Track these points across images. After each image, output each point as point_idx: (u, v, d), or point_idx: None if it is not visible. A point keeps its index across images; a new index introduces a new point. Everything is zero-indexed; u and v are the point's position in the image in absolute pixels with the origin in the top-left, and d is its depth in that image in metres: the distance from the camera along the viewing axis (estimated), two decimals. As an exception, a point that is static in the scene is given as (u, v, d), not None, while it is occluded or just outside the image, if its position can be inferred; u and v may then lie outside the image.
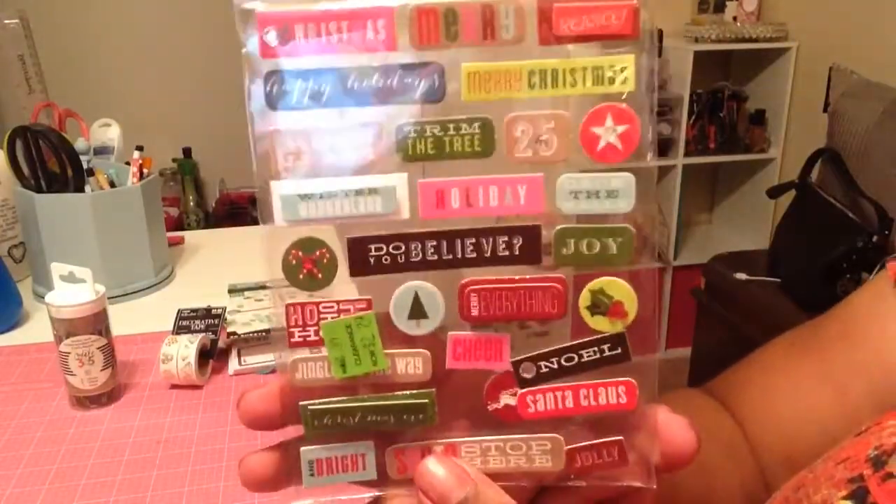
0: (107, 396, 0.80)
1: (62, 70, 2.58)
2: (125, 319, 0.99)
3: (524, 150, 0.25)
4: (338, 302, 0.27)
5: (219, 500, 0.65)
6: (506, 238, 0.26)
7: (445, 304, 0.26)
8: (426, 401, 0.26)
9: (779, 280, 1.92)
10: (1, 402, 0.81)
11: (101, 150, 1.17)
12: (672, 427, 0.27)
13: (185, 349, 0.81)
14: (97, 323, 0.79)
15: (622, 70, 0.24)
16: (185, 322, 0.91)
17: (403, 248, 0.26)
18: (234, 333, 0.87)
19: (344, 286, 0.27)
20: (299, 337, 0.27)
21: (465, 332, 0.27)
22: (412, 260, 0.26)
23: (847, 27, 2.16)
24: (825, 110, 2.09)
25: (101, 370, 0.79)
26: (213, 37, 2.71)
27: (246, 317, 0.91)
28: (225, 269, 1.19)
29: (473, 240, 0.26)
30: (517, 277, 0.27)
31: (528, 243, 0.26)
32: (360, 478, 0.27)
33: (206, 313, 0.92)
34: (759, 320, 1.87)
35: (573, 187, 0.26)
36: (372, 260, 0.26)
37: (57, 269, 0.79)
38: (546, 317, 0.28)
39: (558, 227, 0.26)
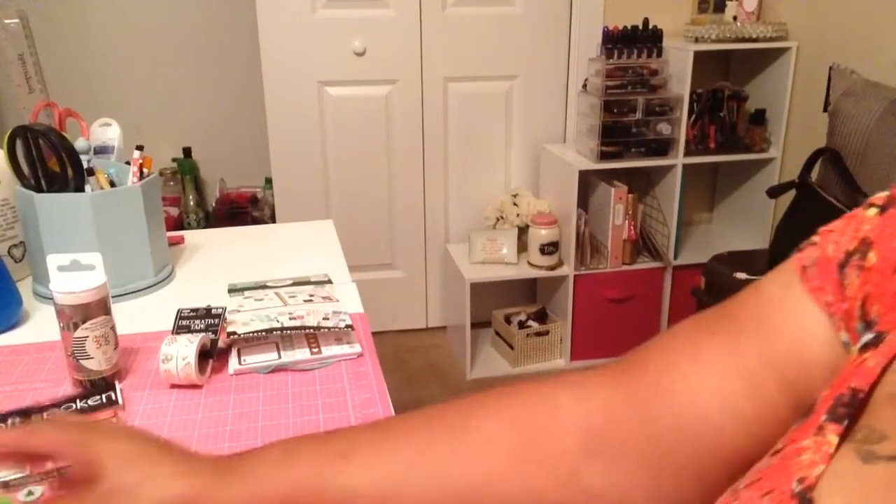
0: (118, 375, 0.85)
1: (62, 70, 2.58)
2: (125, 319, 0.99)
3: None
4: None
5: (219, 499, 0.65)
6: None
7: None
8: None
9: (779, 280, 1.92)
10: (1, 402, 0.81)
11: (101, 150, 1.17)
12: None
13: (185, 349, 0.81)
14: (107, 304, 0.82)
15: None
16: (185, 322, 0.91)
17: None
18: (234, 333, 0.87)
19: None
20: None
21: None
22: None
23: (847, 27, 2.16)
24: (825, 110, 2.09)
25: (115, 349, 0.83)
26: (213, 37, 2.71)
27: (246, 316, 0.91)
28: (225, 268, 1.19)
29: None
30: None
31: None
32: None
33: (206, 313, 0.93)
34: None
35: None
36: None
37: (55, 259, 0.80)
38: None
39: None
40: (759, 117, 2.44)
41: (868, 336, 0.36)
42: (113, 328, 0.83)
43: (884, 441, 0.31)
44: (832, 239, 0.42)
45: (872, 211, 0.40)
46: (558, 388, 0.47)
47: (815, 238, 0.43)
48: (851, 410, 0.33)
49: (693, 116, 2.41)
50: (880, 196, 0.41)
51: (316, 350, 0.89)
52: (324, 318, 0.91)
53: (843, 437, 0.32)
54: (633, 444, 0.43)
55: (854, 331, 0.39)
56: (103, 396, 0.79)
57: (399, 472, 0.46)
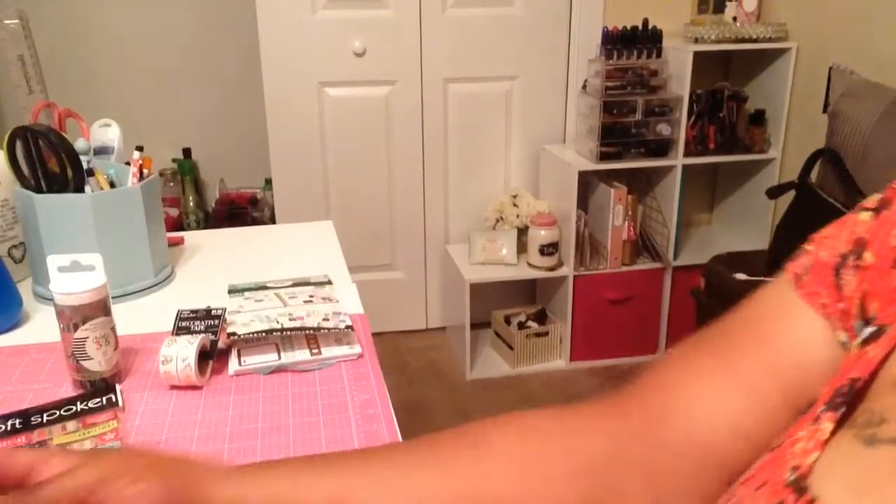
0: (118, 376, 0.84)
1: (62, 70, 2.58)
2: (125, 319, 0.99)
3: None
4: None
5: (219, 500, 0.65)
6: None
7: None
8: None
9: (778, 280, 1.91)
10: (1, 402, 0.81)
11: (101, 150, 1.17)
12: None
13: (185, 350, 0.81)
14: (107, 305, 0.82)
15: None
16: (184, 323, 0.91)
17: None
18: (233, 334, 0.87)
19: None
20: None
21: None
22: None
23: (847, 27, 2.16)
24: (825, 110, 2.09)
25: (115, 350, 0.83)
26: (212, 37, 2.71)
27: (246, 317, 0.91)
28: (225, 269, 1.19)
29: None
30: None
31: None
32: None
33: (206, 314, 0.93)
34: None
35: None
36: None
37: (55, 260, 0.80)
38: None
39: None
40: (759, 118, 2.44)
41: (869, 330, 0.36)
42: (113, 329, 0.83)
43: (884, 424, 0.31)
44: (826, 245, 0.42)
45: (866, 215, 0.40)
46: (563, 414, 0.47)
47: (808, 246, 0.44)
48: (849, 398, 0.33)
49: (693, 117, 2.41)
50: (873, 199, 0.41)
51: (316, 351, 0.89)
52: (324, 319, 0.91)
53: (840, 424, 0.32)
54: (639, 470, 0.43)
55: (852, 329, 0.39)
56: (103, 398, 0.79)
57: (422, 489, 0.44)
